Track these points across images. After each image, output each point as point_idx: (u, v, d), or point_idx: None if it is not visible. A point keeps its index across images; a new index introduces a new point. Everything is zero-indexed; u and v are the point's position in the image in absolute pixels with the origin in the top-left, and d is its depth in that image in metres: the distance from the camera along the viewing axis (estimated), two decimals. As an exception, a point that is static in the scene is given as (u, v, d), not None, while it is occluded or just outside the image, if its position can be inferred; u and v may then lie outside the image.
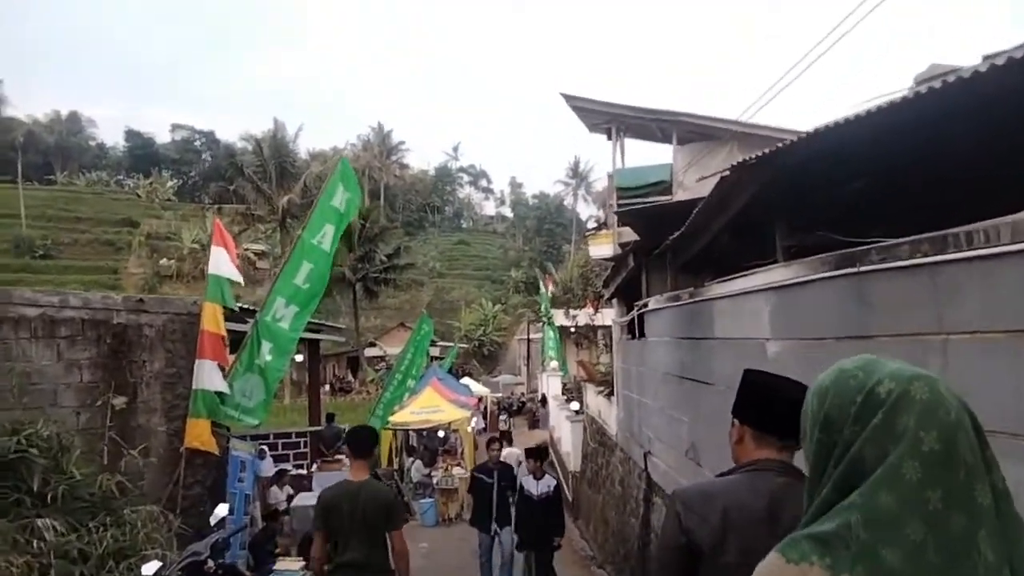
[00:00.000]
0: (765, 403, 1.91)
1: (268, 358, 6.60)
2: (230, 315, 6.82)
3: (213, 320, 6.35)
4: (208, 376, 6.23)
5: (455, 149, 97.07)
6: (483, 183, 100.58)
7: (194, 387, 6.18)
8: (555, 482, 8.00)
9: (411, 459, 16.13)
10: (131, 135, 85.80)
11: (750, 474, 1.86)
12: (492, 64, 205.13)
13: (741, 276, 4.77)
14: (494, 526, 8.20)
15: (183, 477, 6.06)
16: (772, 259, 4.56)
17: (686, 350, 6.32)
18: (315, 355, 13.38)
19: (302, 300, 6.87)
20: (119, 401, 6.06)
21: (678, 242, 5.88)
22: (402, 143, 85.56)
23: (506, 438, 21.92)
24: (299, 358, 13.67)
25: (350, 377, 43.36)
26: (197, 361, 6.23)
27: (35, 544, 3.91)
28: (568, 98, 10.75)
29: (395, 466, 15.81)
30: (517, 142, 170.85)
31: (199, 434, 6.09)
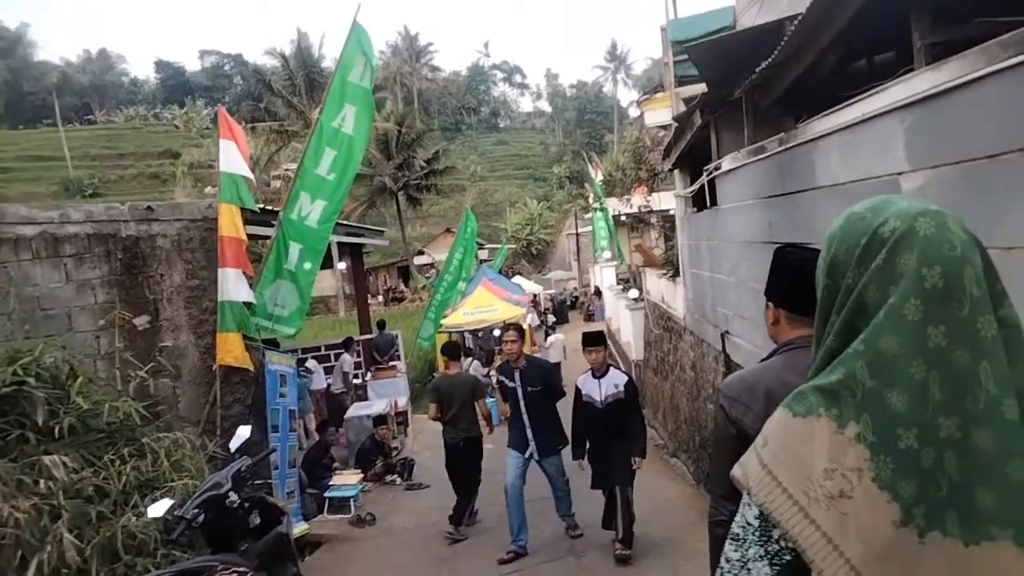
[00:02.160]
0: (795, 284, 1.87)
1: (298, 261, 5.90)
2: (251, 217, 6.10)
3: (231, 224, 5.63)
4: (234, 286, 5.58)
5: (486, 46, 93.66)
6: (517, 79, 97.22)
7: (220, 299, 5.55)
8: (626, 377, 5.86)
9: (468, 360, 15.76)
10: (161, 66, 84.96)
11: (788, 353, 1.86)
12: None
13: (858, 100, 3.73)
14: (530, 447, 6.02)
15: (220, 397, 5.53)
16: (899, 73, 3.49)
17: (776, 210, 5.34)
18: (359, 262, 12.77)
19: (329, 192, 6.08)
20: (141, 321, 5.49)
21: (765, 77, 4.79)
22: (431, 44, 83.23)
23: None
24: (342, 266, 13.09)
25: (402, 286, 43.48)
26: (220, 270, 5.57)
27: (43, 484, 3.39)
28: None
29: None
30: (549, 30, 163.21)
31: (231, 349, 5.50)
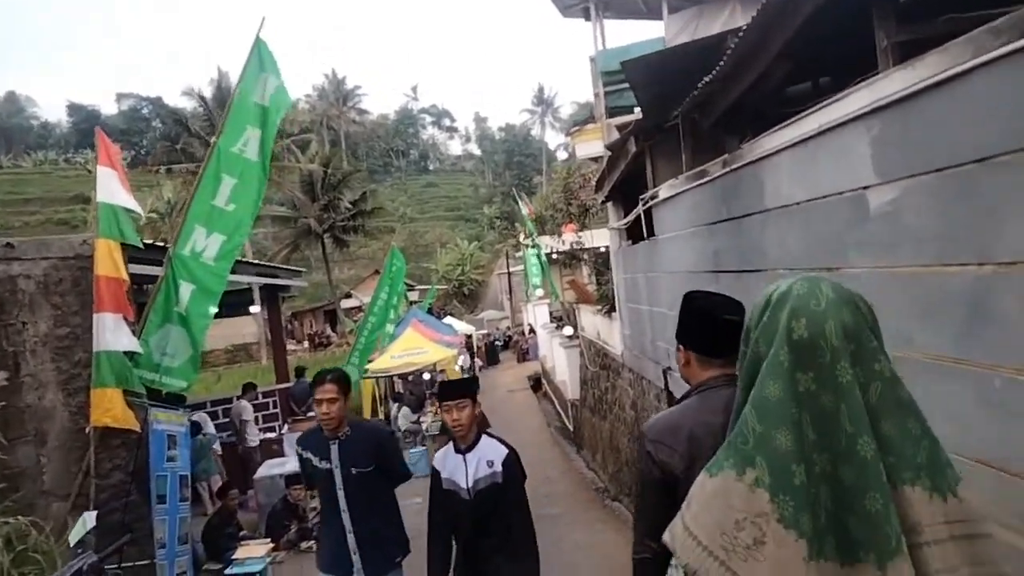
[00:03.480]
0: (703, 327, 1.98)
1: (190, 303, 5.14)
2: (135, 254, 5.33)
3: (110, 261, 4.84)
4: (113, 333, 4.77)
5: (414, 90, 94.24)
6: (446, 122, 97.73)
7: (95, 349, 4.73)
8: (506, 451, 3.68)
9: (396, 406, 14.94)
10: (74, 109, 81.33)
11: (703, 394, 1.94)
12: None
13: (814, 111, 3.39)
14: (355, 567, 3.78)
15: (95, 464, 4.67)
16: (858, 79, 3.16)
17: (721, 237, 4.98)
18: (276, 305, 11.91)
19: (228, 225, 5.37)
20: (-3, 377, 4.62)
21: (707, 95, 4.45)
22: (358, 88, 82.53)
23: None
24: (256, 310, 12.18)
25: (329, 331, 42.05)
26: (96, 315, 4.77)
27: None
28: (532, -29, 9.06)
29: (379, 416, 14.63)
30: (477, 74, 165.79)
31: (108, 407, 4.66)
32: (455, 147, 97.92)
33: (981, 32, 2.24)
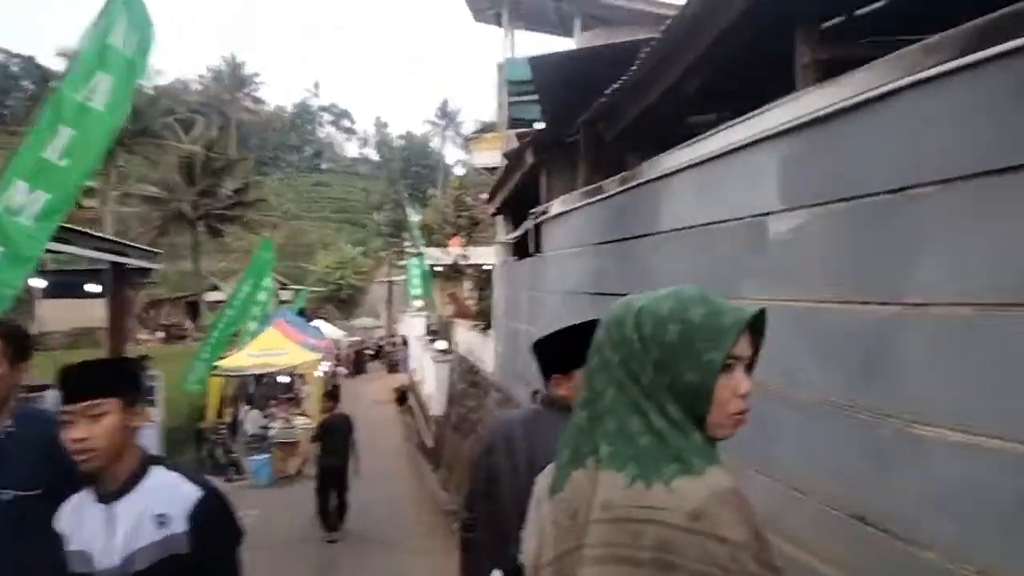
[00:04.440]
0: (558, 354, 2.14)
1: (-3, 269, 4.26)
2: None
3: None
4: None
5: (316, 86, 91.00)
6: (346, 123, 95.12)
7: None
8: (198, 494, 1.88)
9: (246, 407, 13.86)
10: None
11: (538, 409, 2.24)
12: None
13: (722, 129, 3.19)
14: None
15: None
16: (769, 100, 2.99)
17: (608, 258, 4.75)
18: (121, 287, 10.60)
19: (57, 182, 4.50)
20: None
21: (613, 104, 4.21)
22: (256, 75, 78.77)
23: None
24: (92, 288, 10.79)
25: (188, 323, 39.20)
26: None
27: None
28: (449, -32, 8.68)
29: (226, 418, 13.50)
30: (383, 79, 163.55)
31: None
32: (352, 149, 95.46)
33: (913, 50, 2.07)
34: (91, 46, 4.68)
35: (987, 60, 1.81)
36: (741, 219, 3.04)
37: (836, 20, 3.44)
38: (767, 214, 2.83)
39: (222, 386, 14.14)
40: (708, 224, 3.32)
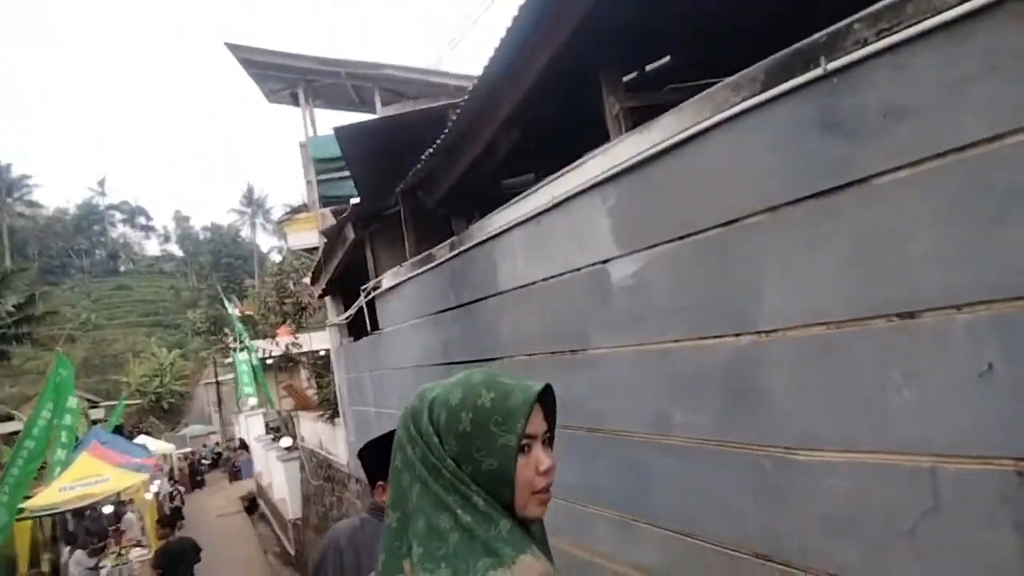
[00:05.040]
0: (381, 459, 1.99)
1: None
2: None
3: None
4: None
5: (101, 184, 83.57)
6: (141, 220, 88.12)
7: None
8: None
9: (67, 549, 11.92)
10: None
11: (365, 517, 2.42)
12: (135, 79, 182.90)
13: (544, 184, 3.17)
14: None
15: None
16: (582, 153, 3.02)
17: (450, 326, 4.58)
18: None
19: None
20: None
21: (430, 169, 4.10)
22: (28, 178, 71.34)
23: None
24: None
25: (-23, 466, 33.66)
26: None
27: None
28: (236, 50, 8.26)
29: (44, 567, 11.52)
30: (178, 171, 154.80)
31: None
32: (152, 247, 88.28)
33: (719, 89, 2.13)
34: None
35: (787, 93, 1.88)
36: (579, 269, 3.01)
37: (632, 76, 3.60)
38: (605, 261, 2.81)
39: (33, 530, 12.10)
40: (547, 279, 3.27)
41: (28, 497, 10.55)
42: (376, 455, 2.17)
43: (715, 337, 2.27)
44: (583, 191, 2.88)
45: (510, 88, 3.23)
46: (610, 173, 2.67)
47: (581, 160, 2.88)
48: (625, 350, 2.74)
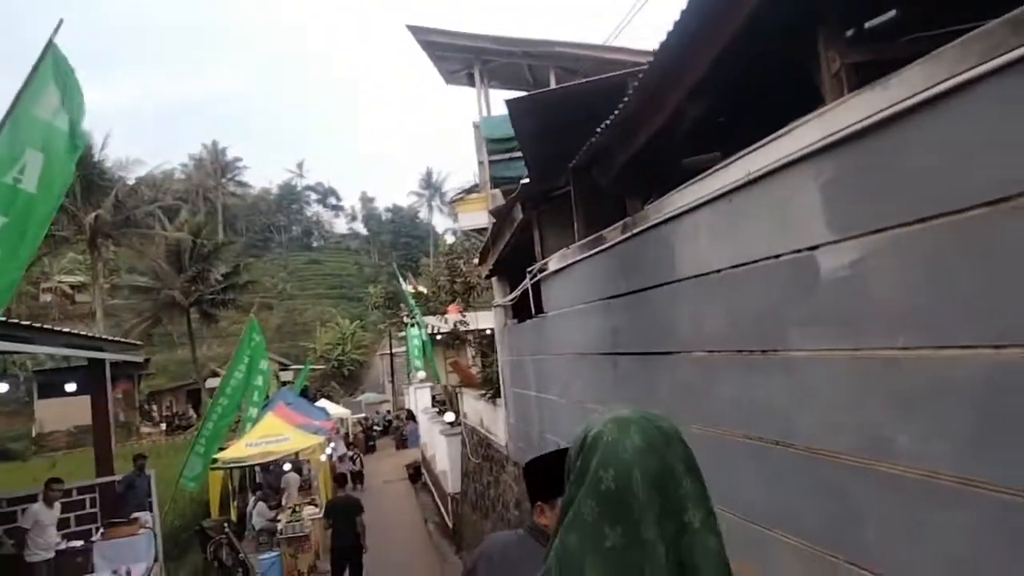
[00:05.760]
0: (544, 479, 2.04)
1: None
2: None
3: None
4: None
5: (299, 166, 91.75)
6: (332, 200, 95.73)
7: None
8: None
9: (253, 499, 13.12)
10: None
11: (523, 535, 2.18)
12: (332, 73, 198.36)
13: (738, 159, 2.75)
14: None
15: None
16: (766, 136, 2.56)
17: (620, 313, 4.27)
18: (100, 380, 10.09)
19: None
20: None
21: (605, 145, 3.79)
22: (239, 160, 79.71)
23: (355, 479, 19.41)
24: (70, 387, 10.29)
25: (191, 412, 38.38)
26: None
27: None
28: (417, 31, 8.48)
29: (232, 513, 12.76)
30: (365, 154, 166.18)
31: None
32: (341, 225, 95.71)
33: (992, 28, 1.63)
34: (17, 120, 4.29)
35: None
36: (778, 256, 2.58)
37: (851, 31, 3.05)
38: (813, 248, 2.37)
39: (224, 479, 13.45)
40: (737, 267, 2.86)
41: (222, 449, 11.69)
42: (540, 474, 2.07)
43: (965, 347, 1.78)
44: (788, 164, 2.44)
45: (701, 49, 2.84)
46: (827, 142, 2.22)
47: (786, 128, 2.45)
48: (834, 355, 2.29)
